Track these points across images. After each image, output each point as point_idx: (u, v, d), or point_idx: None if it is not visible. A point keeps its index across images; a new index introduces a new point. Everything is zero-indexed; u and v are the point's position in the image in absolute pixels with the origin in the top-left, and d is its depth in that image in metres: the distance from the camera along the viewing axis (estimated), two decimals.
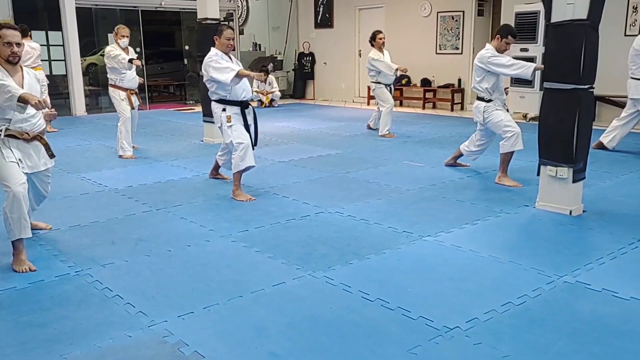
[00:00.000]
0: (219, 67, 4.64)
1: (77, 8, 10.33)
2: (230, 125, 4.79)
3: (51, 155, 3.67)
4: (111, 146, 7.19)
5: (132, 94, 6.71)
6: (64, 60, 10.77)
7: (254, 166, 4.89)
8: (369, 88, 11.64)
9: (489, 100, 5.26)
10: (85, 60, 12.16)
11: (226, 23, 13.11)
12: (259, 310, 2.85)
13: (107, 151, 7.12)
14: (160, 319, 2.76)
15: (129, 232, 4.06)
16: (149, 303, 2.94)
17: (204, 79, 4.91)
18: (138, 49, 12.01)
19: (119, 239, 3.93)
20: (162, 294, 3.05)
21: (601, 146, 6.75)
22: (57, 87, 11.24)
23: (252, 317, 2.79)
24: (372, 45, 8.05)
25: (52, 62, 10.88)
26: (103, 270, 3.38)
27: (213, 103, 4.90)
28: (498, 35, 5.18)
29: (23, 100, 3.17)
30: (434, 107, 11.48)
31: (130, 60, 6.44)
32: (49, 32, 10.76)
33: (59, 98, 11.07)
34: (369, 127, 8.66)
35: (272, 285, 3.13)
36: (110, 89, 6.71)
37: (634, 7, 8.50)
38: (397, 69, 7.81)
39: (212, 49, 4.83)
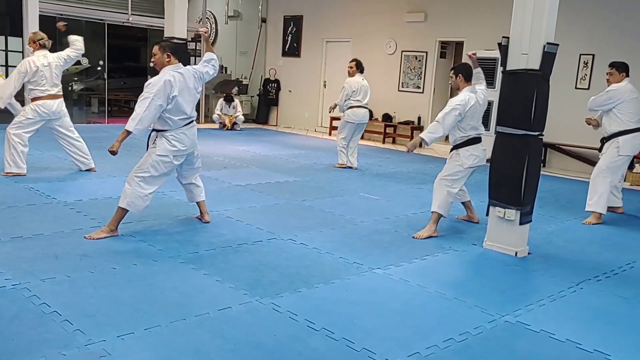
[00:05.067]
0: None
1: (40, 16, 10.15)
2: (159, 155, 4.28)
3: None
4: (64, 158, 7.01)
5: None
6: None
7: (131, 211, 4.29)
8: (331, 119, 11.81)
9: None
10: None
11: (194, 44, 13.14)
12: (201, 335, 2.80)
13: (59, 162, 6.94)
14: (98, 338, 2.68)
15: (75, 247, 3.94)
16: (88, 321, 2.84)
17: None
18: (101, 62, 11.88)
19: (63, 253, 3.81)
20: (103, 312, 2.97)
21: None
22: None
23: (194, 341, 2.73)
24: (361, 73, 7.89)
25: (10, 68, 10.59)
26: (43, 284, 3.26)
27: None
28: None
29: None
30: (394, 142, 11.70)
31: None
32: (9, 38, 10.51)
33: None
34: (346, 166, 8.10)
35: (217, 310, 3.09)
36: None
37: (585, 62, 8.97)
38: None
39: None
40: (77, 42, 6.38)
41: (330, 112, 8.61)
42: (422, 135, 4.69)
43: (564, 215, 5.98)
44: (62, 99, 6.31)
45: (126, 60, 14.68)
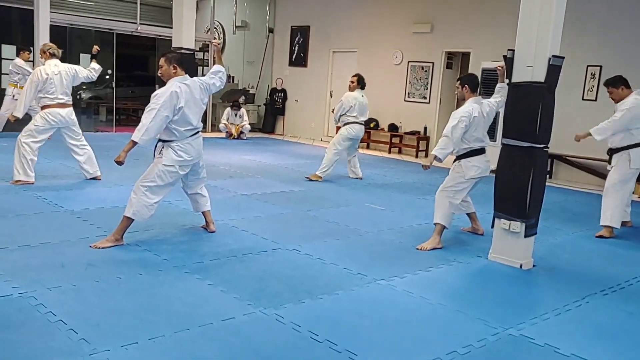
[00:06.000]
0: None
1: (51, 26, 10.28)
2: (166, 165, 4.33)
3: None
4: (72, 166, 7.07)
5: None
6: None
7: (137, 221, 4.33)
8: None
9: None
10: None
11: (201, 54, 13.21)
12: (204, 345, 2.81)
13: (67, 170, 6.99)
14: (102, 347, 2.70)
15: (80, 256, 3.97)
16: (93, 330, 2.86)
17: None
18: (110, 71, 11.98)
19: (70, 262, 3.84)
20: (108, 321, 2.99)
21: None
22: None
23: (196, 351, 2.75)
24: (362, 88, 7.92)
25: None
26: (49, 293, 3.29)
27: None
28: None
29: None
30: (400, 152, 11.71)
31: None
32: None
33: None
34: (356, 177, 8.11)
35: (221, 320, 3.10)
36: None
37: (592, 74, 8.97)
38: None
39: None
40: (94, 70, 6.60)
41: (332, 112, 8.67)
42: (435, 152, 4.70)
43: (570, 227, 5.95)
44: (71, 108, 6.41)
45: (134, 69, 14.82)
